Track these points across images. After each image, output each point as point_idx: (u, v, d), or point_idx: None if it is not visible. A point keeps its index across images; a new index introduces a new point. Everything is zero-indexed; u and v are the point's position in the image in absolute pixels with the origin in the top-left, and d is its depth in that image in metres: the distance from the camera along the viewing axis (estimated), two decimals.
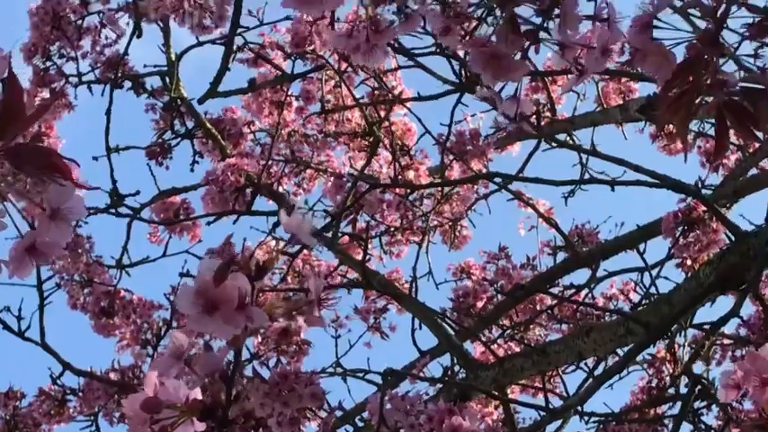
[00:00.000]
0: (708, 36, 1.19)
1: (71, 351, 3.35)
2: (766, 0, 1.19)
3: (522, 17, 1.26)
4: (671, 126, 3.50)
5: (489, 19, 1.26)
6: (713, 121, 1.27)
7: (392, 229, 3.88)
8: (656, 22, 1.20)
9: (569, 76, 1.26)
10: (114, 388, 3.39)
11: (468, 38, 1.25)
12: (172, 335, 0.92)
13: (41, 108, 0.95)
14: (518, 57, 1.24)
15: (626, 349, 2.72)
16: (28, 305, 3.46)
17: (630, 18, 1.22)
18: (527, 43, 1.24)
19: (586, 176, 3.45)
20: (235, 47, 3.44)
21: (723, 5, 1.17)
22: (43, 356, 3.33)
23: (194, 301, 0.89)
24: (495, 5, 1.23)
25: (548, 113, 3.81)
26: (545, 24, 1.24)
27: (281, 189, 3.86)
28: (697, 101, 1.21)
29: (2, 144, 0.93)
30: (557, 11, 1.23)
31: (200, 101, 2.94)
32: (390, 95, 3.79)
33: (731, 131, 1.23)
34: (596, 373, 2.99)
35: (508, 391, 3.25)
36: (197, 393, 0.93)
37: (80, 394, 3.43)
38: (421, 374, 2.80)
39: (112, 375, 3.49)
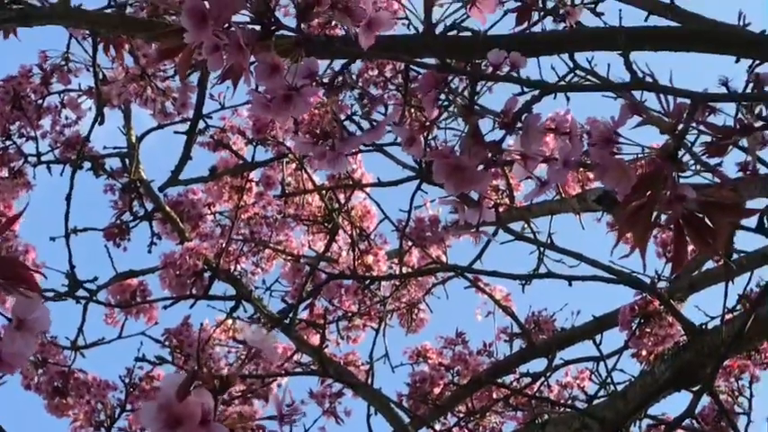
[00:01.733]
0: (666, 151, 1.21)
1: (23, 431, 3.31)
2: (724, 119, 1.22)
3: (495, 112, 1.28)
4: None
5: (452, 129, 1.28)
6: None
7: (350, 314, 3.88)
8: (616, 137, 1.23)
9: (531, 186, 1.28)
10: None
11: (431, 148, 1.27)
12: None
13: (8, 222, 0.96)
14: (481, 168, 1.26)
15: None
16: None
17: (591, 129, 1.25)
18: (490, 154, 1.26)
19: (543, 267, 3.48)
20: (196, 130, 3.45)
21: (681, 123, 1.20)
22: None
23: (156, 417, 0.90)
24: (458, 117, 1.26)
25: (506, 200, 3.84)
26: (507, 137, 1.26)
27: (239, 268, 3.86)
28: (655, 214, 1.24)
29: None
30: (519, 123, 1.26)
31: (161, 188, 2.96)
32: (350, 180, 3.81)
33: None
34: None
35: None
36: None
37: None
38: None
39: None
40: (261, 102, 1.30)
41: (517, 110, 1.25)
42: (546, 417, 3.32)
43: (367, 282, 3.70)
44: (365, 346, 4.10)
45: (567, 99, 2.44)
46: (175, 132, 3.29)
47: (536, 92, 1.28)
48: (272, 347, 0.95)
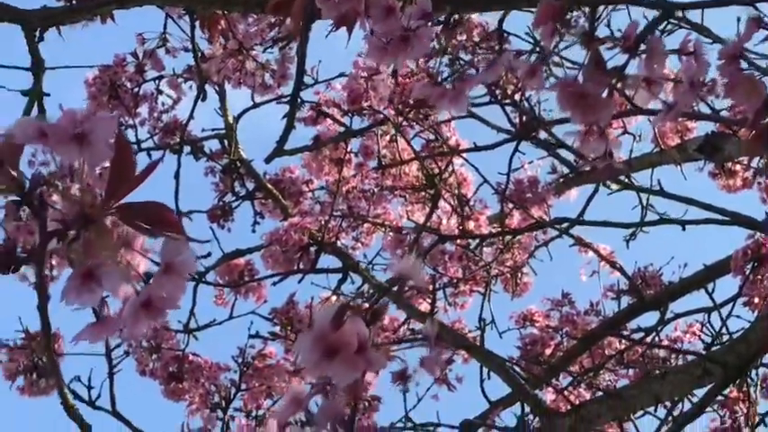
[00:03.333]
0: None
1: (142, 417, 3.34)
2: None
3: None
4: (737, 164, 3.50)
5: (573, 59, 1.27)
6: None
7: (455, 280, 3.87)
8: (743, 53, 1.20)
9: (658, 111, 1.26)
10: None
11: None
12: (290, 384, 0.92)
13: (149, 168, 0.96)
14: (605, 95, 1.25)
15: (703, 391, 2.70)
16: (97, 374, 3.47)
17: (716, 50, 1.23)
18: (613, 81, 1.25)
19: (651, 218, 3.43)
20: None
21: None
22: (115, 424, 3.32)
23: (313, 347, 0.89)
24: (579, 45, 1.24)
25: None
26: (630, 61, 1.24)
27: (339, 244, 3.86)
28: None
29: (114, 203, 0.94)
30: (642, 47, 1.24)
31: (268, 160, 2.95)
32: (446, 147, 3.79)
33: None
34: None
35: None
36: None
37: None
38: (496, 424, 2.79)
39: None
40: (377, 46, 1.30)
41: (639, 33, 1.23)
42: (657, 371, 3.29)
43: (474, 243, 3.69)
44: (470, 313, 4.09)
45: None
46: (278, 103, 3.30)
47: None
48: (420, 275, 0.94)
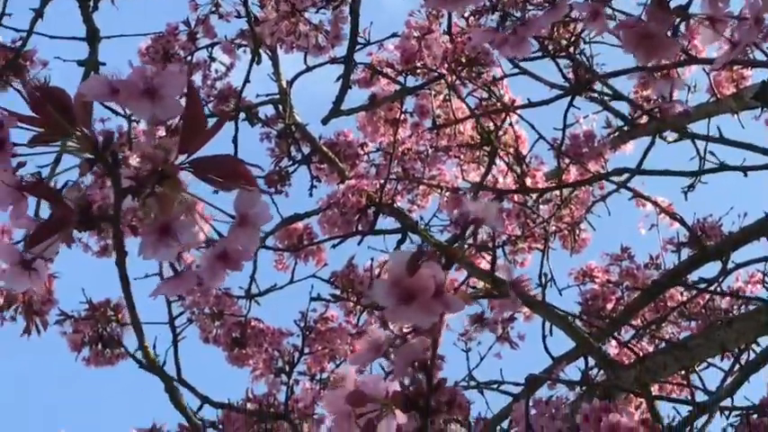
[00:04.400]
0: None
1: (207, 384, 3.37)
2: None
3: None
4: None
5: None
6: None
7: (513, 238, 3.86)
8: None
9: (723, 50, 1.25)
10: (253, 417, 3.41)
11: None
12: (369, 329, 0.93)
13: (220, 123, 0.96)
14: (669, 34, 1.24)
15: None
16: (162, 342, 3.50)
17: None
18: (677, 20, 1.24)
19: (710, 167, 3.40)
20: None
21: None
22: (181, 392, 3.34)
23: (390, 292, 0.89)
24: None
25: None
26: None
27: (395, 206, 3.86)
28: None
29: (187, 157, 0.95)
30: None
31: (325, 121, 2.95)
32: (500, 104, 3.77)
33: None
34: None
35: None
36: (396, 385, 0.93)
37: (220, 427, 3.44)
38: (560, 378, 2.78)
39: (249, 405, 3.50)
40: None
41: None
42: (721, 321, 3.27)
43: (532, 199, 3.67)
44: (530, 271, 4.08)
45: None
46: (332, 63, 3.29)
47: None
48: (494, 215, 0.94)
